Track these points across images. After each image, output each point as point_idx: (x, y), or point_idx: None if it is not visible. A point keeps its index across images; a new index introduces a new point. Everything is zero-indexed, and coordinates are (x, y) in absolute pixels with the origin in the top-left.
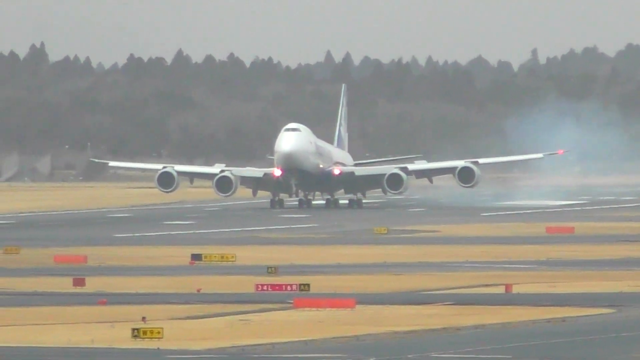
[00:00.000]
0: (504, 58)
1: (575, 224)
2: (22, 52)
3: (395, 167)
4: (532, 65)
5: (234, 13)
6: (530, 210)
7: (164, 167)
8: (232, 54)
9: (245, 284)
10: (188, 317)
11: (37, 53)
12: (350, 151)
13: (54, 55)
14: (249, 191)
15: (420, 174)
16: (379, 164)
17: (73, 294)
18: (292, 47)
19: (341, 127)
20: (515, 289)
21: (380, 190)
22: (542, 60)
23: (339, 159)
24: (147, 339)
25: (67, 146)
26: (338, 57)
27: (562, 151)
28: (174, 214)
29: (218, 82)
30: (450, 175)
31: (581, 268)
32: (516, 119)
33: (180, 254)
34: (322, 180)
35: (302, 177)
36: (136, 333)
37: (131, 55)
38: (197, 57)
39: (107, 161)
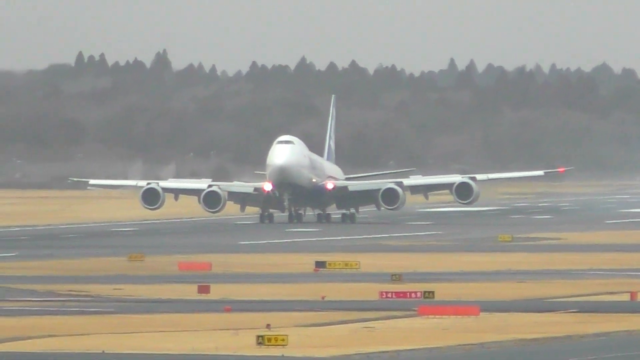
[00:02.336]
0: (629, 65)
1: None
2: (148, 60)
3: (391, 182)
4: None
5: (357, 20)
6: None
7: (148, 184)
8: (354, 62)
9: (370, 292)
10: (312, 325)
11: (162, 61)
12: (471, 160)
13: (178, 63)
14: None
15: (416, 189)
16: (370, 178)
17: (198, 301)
18: (416, 55)
19: (330, 140)
20: None
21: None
22: None
23: (331, 172)
24: (271, 346)
25: (191, 154)
26: (461, 65)
27: (562, 169)
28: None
29: (341, 89)
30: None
31: None
32: None
33: (304, 261)
34: (314, 195)
35: (295, 191)
36: (261, 340)
37: (254, 62)
38: (320, 64)
39: (87, 179)
